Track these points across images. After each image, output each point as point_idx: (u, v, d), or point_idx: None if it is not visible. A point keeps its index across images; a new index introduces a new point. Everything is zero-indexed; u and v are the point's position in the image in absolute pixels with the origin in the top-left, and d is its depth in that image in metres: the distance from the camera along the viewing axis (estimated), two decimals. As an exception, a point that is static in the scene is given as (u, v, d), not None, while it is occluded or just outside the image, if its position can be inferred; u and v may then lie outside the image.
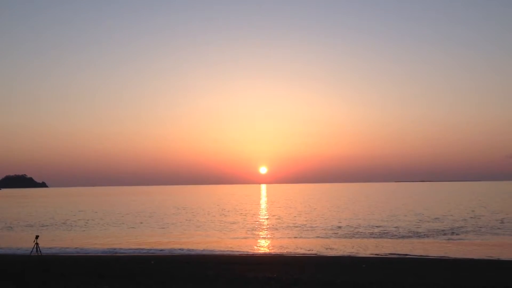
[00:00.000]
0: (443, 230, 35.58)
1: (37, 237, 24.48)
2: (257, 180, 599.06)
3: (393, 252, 25.63)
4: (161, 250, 27.94)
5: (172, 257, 23.95)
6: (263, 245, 30.27)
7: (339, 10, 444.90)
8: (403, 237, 32.48)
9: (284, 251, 26.72)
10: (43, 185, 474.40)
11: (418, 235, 33.36)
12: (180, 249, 28.21)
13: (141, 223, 47.14)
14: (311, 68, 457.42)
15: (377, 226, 39.16)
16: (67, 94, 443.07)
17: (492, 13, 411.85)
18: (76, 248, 29.66)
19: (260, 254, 26.63)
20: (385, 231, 35.54)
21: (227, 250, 27.19)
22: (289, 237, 33.41)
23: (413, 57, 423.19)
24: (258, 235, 35.81)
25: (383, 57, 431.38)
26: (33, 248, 23.54)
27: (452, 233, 33.85)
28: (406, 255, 24.70)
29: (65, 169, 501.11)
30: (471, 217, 46.91)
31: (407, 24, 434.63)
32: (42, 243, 25.88)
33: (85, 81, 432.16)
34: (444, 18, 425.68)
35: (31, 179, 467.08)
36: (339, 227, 39.28)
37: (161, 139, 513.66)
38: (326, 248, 27.36)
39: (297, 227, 40.16)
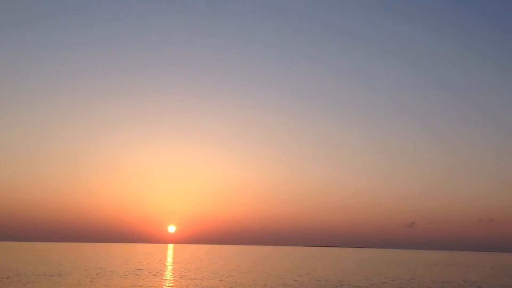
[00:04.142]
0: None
1: None
2: (165, 239, 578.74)
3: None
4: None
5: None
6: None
7: (246, 74, 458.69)
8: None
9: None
10: None
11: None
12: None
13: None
14: (217, 128, 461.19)
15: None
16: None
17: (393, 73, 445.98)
18: None
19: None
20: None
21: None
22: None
23: (324, 118, 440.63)
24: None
25: (292, 117, 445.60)
26: None
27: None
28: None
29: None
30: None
31: (314, 85, 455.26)
32: None
33: (14, 133, 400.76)
34: (348, 77, 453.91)
35: None
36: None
37: (74, 193, 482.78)
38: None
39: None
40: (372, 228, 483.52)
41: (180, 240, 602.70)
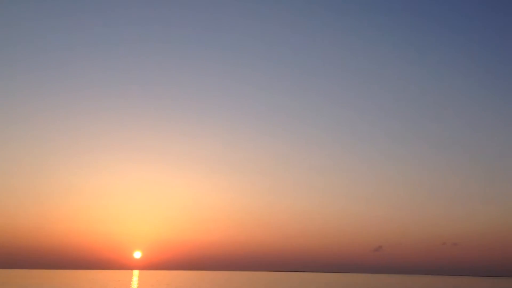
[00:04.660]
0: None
1: None
2: (130, 265, 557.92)
3: None
4: None
5: None
6: None
7: (223, 97, 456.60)
8: None
9: None
10: None
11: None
12: None
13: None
14: (192, 151, 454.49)
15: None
16: None
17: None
18: None
19: None
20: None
21: None
22: None
23: (297, 143, 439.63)
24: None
25: (268, 142, 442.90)
26: None
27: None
28: None
29: None
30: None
31: (292, 112, 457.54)
32: None
33: None
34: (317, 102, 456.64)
35: None
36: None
37: (33, 217, 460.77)
38: None
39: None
40: (340, 253, 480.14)
41: (147, 266, 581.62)
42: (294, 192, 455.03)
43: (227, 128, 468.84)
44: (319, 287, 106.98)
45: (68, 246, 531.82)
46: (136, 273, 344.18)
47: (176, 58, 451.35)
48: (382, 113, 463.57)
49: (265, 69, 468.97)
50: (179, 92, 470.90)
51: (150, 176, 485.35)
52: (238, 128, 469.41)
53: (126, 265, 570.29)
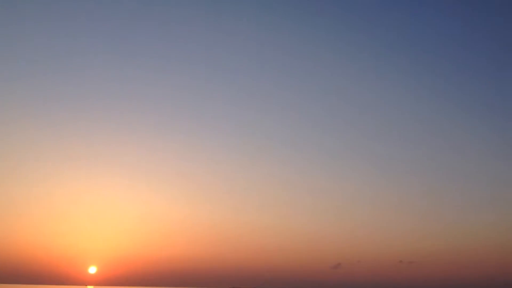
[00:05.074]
0: None
1: None
2: (85, 280, 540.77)
3: None
4: None
5: None
6: None
7: (184, 108, 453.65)
8: None
9: None
10: None
11: None
12: None
13: None
14: (149, 164, 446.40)
15: None
16: None
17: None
18: None
19: None
20: None
21: None
22: None
23: (253, 161, 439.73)
24: None
25: (227, 158, 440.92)
26: None
27: None
28: None
29: None
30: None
31: (248, 126, 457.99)
32: None
33: None
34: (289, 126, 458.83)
35: None
36: None
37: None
38: None
39: None
40: (298, 269, 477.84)
41: (102, 282, 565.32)
42: (252, 208, 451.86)
43: (184, 140, 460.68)
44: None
45: (20, 260, 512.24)
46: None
47: (129, 68, 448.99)
48: (344, 129, 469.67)
49: (220, 80, 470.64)
50: (131, 103, 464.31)
51: (106, 189, 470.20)
52: (195, 141, 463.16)
53: (81, 281, 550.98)
